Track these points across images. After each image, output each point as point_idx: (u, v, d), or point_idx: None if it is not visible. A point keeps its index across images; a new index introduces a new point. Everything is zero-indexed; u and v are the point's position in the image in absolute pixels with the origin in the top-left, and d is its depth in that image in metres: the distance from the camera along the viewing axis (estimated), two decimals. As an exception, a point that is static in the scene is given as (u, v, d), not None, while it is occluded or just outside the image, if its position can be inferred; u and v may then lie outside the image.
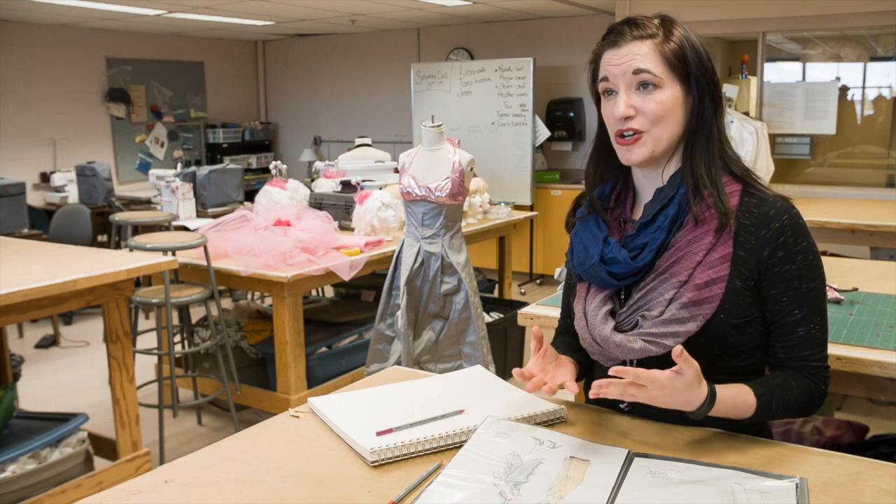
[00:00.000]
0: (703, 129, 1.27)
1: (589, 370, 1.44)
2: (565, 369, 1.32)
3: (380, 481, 1.14)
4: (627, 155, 1.28)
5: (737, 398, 1.21)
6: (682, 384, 1.15)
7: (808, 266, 1.25)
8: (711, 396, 1.18)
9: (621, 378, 1.15)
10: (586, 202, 1.39)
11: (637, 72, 1.23)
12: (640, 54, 1.23)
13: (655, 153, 1.27)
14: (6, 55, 6.76)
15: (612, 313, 1.31)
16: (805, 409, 1.27)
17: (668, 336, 1.23)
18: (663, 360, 1.21)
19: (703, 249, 1.24)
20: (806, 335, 1.26)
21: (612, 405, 1.38)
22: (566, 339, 1.48)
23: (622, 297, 1.32)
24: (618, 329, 1.29)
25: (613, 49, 1.26)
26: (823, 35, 5.38)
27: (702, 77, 1.26)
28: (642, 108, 1.24)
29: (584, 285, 1.37)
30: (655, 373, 1.14)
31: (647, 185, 1.34)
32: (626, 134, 1.26)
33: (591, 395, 1.17)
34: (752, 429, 1.31)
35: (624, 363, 1.30)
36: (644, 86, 1.24)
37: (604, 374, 1.38)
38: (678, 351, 1.13)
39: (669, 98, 1.24)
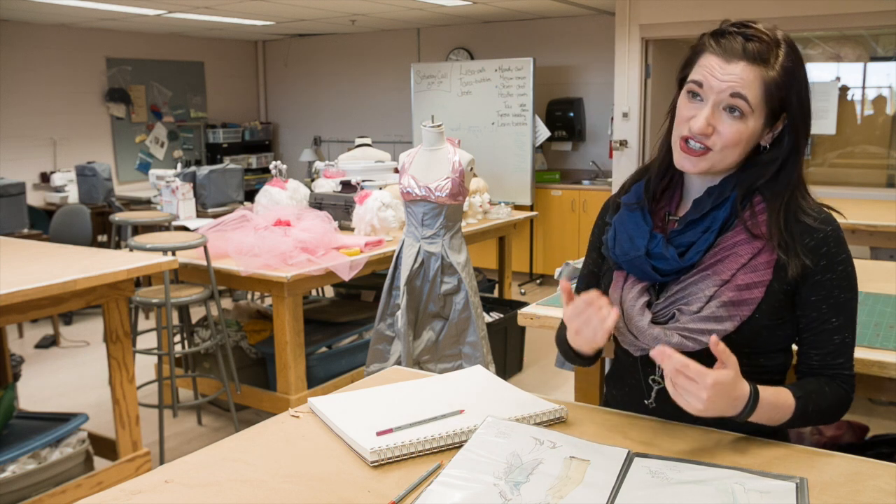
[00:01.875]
0: (789, 178, 1.26)
1: (593, 361, 1.43)
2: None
3: (380, 481, 1.14)
4: (684, 163, 1.27)
5: (777, 398, 1.21)
6: (728, 379, 1.14)
7: (847, 277, 1.27)
8: (755, 395, 1.18)
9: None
10: (645, 186, 1.37)
11: (734, 95, 1.20)
12: (746, 80, 1.19)
13: (713, 171, 1.27)
14: (6, 55, 6.76)
15: (649, 304, 1.31)
16: (836, 414, 1.29)
17: (705, 333, 1.24)
18: (697, 357, 1.21)
19: (748, 253, 1.25)
20: (841, 343, 1.27)
21: (636, 401, 1.38)
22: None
23: (657, 287, 1.33)
24: (654, 321, 1.29)
25: (721, 59, 1.21)
26: (823, 35, 5.38)
27: (799, 117, 1.24)
28: (721, 129, 1.22)
29: (621, 273, 1.36)
30: (704, 369, 1.13)
31: (700, 184, 1.33)
32: (693, 144, 1.24)
33: (653, 354, 1.17)
34: (772, 434, 1.31)
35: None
36: (732, 109, 1.21)
37: (624, 365, 1.40)
38: (714, 341, 1.14)
39: (750, 129, 1.22)
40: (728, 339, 1.23)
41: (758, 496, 1.06)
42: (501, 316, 4.36)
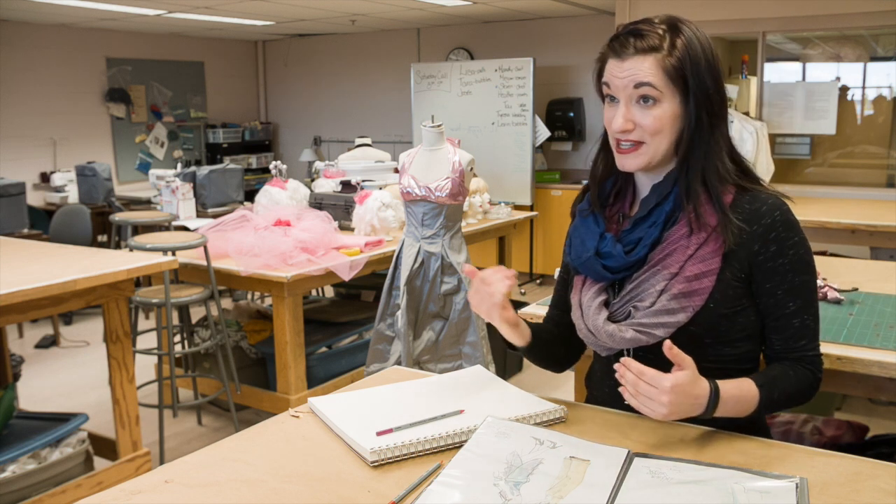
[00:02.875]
0: (699, 144, 1.29)
1: (571, 363, 1.52)
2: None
3: (380, 481, 1.14)
4: (623, 162, 1.32)
5: (739, 390, 1.23)
6: (686, 379, 1.17)
7: (800, 260, 1.29)
8: (715, 391, 1.20)
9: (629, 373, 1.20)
10: (590, 196, 1.43)
11: (638, 86, 1.26)
12: (642, 69, 1.25)
13: (652, 162, 1.31)
14: (6, 55, 6.76)
15: (606, 304, 1.36)
16: (803, 397, 1.31)
17: (659, 326, 1.28)
18: (653, 350, 1.27)
19: (694, 244, 1.28)
20: (801, 326, 1.30)
21: (616, 402, 1.38)
22: (544, 325, 1.54)
23: (616, 288, 1.36)
24: (611, 319, 1.34)
25: (617, 60, 1.28)
26: (823, 35, 5.38)
27: (699, 92, 1.27)
28: (640, 121, 1.27)
29: (580, 277, 1.41)
30: (660, 374, 1.17)
31: (647, 182, 1.37)
32: (623, 144, 1.30)
33: (620, 389, 1.22)
34: (750, 425, 1.33)
35: (620, 353, 1.35)
36: (644, 99, 1.27)
37: (601, 363, 1.45)
38: (668, 346, 1.17)
39: (667, 113, 1.27)
40: (687, 330, 1.27)
41: (758, 496, 1.06)
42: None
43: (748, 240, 1.27)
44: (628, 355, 1.34)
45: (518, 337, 1.39)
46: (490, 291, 1.31)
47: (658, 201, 1.32)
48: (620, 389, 1.22)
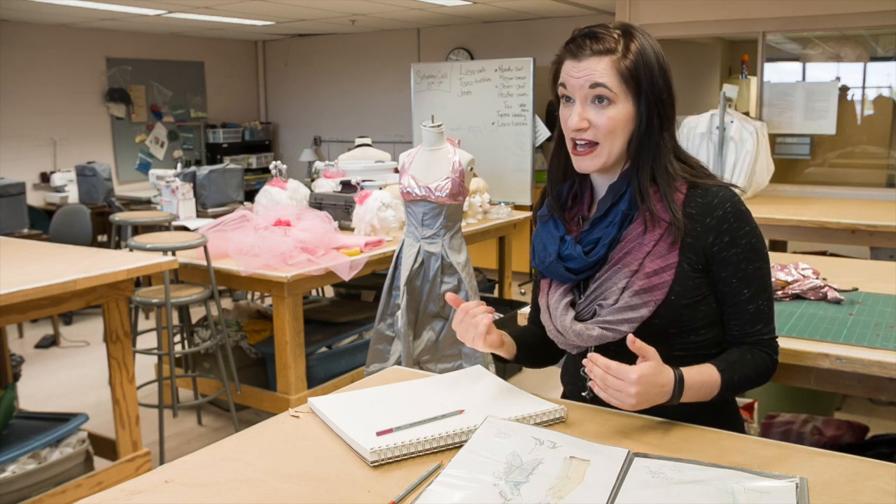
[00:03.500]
0: (649, 145, 1.34)
1: (554, 361, 1.55)
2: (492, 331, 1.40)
3: (380, 481, 1.14)
4: (580, 164, 1.36)
5: (702, 376, 1.29)
6: (651, 370, 1.22)
7: (752, 248, 1.34)
8: (680, 378, 1.25)
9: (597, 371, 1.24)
10: (547, 201, 1.48)
11: (594, 86, 1.30)
12: (598, 70, 1.29)
13: (608, 163, 1.35)
14: (6, 55, 6.76)
15: (573, 304, 1.41)
16: (761, 378, 1.37)
17: (623, 322, 1.33)
18: (620, 345, 1.31)
19: (651, 241, 1.33)
20: (755, 311, 1.35)
21: (580, 383, 1.45)
22: (527, 327, 1.61)
23: (581, 288, 1.41)
24: (578, 318, 1.39)
25: (573, 60, 1.32)
26: (823, 35, 5.38)
27: (651, 95, 1.31)
28: (595, 121, 1.31)
29: (546, 281, 1.47)
30: (626, 366, 1.22)
31: (603, 183, 1.41)
32: (579, 144, 1.34)
33: (590, 383, 1.27)
34: (720, 414, 1.39)
35: (588, 351, 1.39)
36: (599, 100, 1.31)
37: (573, 360, 1.50)
38: (631, 339, 1.22)
39: (621, 114, 1.31)
40: (651, 323, 1.32)
41: (758, 496, 1.06)
42: (501, 316, 4.36)
43: (702, 232, 1.32)
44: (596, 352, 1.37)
45: (504, 352, 1.45)
46: (474, 322, 1.37)
47: (614, 201, 1.36)
48: (590, 384, 1.27)
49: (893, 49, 5.36)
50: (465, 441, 1.23)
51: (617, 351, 1.33)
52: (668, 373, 1.25)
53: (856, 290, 2.15)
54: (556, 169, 1.46)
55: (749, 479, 1.11)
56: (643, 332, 1.30)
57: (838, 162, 5.58)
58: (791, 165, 5.64)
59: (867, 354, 1.66)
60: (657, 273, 1.32)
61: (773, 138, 5.41)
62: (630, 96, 1.31)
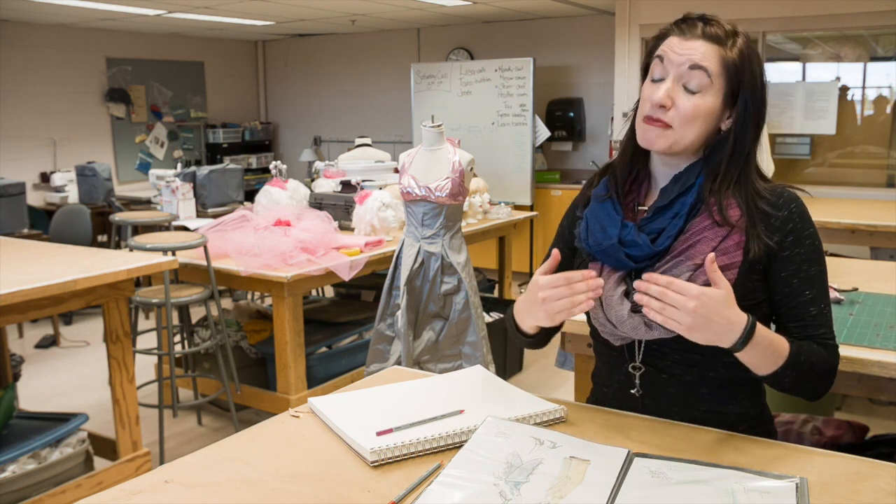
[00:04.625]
0: (741, 155, 1.29)
1: (547, 331, 1.43)
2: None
3: (380, 481, 1.14)
4: (646, 135, 1.30)
5: (773, 337, 1.22)
6: (718, 295, 1.14)
7: (815, 250, 1.30)
8: (752, 323, 1.17)
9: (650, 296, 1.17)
10: (608, 180, 1.40)
11: (693, 67, 1.25)
12: (703, 52, 1.25)
13: (673, 149, 1.29)
14: (6, 55, 6.76)
15: (627, 294, 1.32)
16: (823, 380, 1.29)
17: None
18: (675, 342, 1.26)
19: (718, 236, 1.27)
20: (818, 314, 1.30)
21: (621, 397, 1.39)
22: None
23: (633, 277, 1.33)
24: (633, 310, 1.30)
25: (680, 37, 1.28)
26: (823, 35, 5.38)
27: (751, 100, 1.28)
28: (679, 103, 1.26)
29: (596, 265, 1.36)
30: (688, 284, 1.15)
31: (664, 172, 1.36)
32: (653, 119, 1.28)
33: (636, 298, 1.19)
34: (754, 424, 1.33)
35: (632, 343, 1.34)
36: (692, 85, 1.26)
37: (608, 360, 1.42)
38: (711, 258, 1.16)
39: (707, 104, 1.26)
40: None
41: (758, 496, 1.06)
42: (501, 316, 4.36)
43: (767, 232, 1.28)
44: (640, 348, 1.34)
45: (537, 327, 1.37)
46: (574, 301, 1.23)
47: (680, 192, 1.31)
48: (643, 300, 1.17)
49: (893, 49, 5.36)
50: (465, 441, 1.23)
51: (664, 347, 1.31)
52: (739, 312, 1.16)
53: (856, 290, 2.15)
54: (625, 151, 1.40)
55: (749, 479, 1.11)
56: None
57: (838, 162, 5.58)
58: (791, 165, 5.64)
59: (867, 354, 1.66)
60: (721, 271, 1.23)
61: (773, 138, 5.42)
62: (722, 92, 1.27)
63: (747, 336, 1.17)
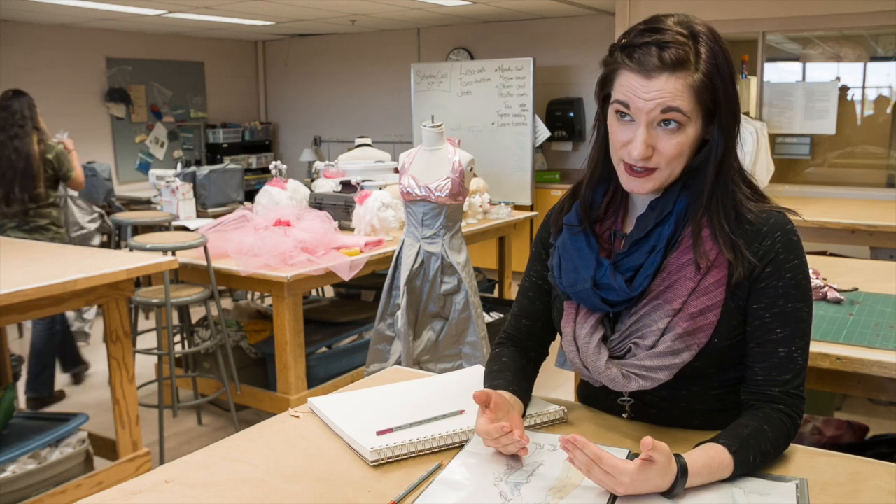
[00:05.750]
0: (724, 173, 1.19)
1: (530, 392, 1.39)
2: (515, 417, 1.22)
3: (380, 481, 1.14)
4: (632, 186, 1.20)
5: (710, 463, 1.09)
6: (654, 472, 1.05)
7: (797, 285, 1.18)
8: (683, 469, 1.07)
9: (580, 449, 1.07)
10: (577, 208, 1.30)
11: (666, 110, 1.13)
12: (672, 92, 1.12)
13: (663, 186, 1.21)
14: (6, 55, 6.75)
15: (605, 338, 1.25)
16: (781, 449, 1.19)
17: (662, 369, 1.19)
18: (654, 392, 1.23)
19: (697, 274, 1.18)
20: (787, 357, 1.18)
21: (613, 412, 1.37)
22: (512, 354, 1.41)
23: (611, 317, 1.27)
24: (611, 355, 1.24)
25: (640, 76, 1.13)
26: (823, 35, 5.38)
27: (727, 114, 1.16)
28: (661, 148, 1.15)
29: (572, 305, 1.29)
30: (622, 463, 1.04)
31: (642, 197, 1.26)
32: (636, 167, 1.18)
33: (562, 446, 1.08)
34: None
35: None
36: (667, 122, 1.14)
37: (593, 394, 1.40)
38: (648, 442, 1.04)
39: (690, 139, 1.16)
40: (690, 365, 1.20)
41: (758, 497, 1.06)
42: (501, 316, 4.36)
43: (744, 262, 1.17)
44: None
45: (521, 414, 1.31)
46: (512, 449, 1.16)
47: (657, 222, 1.21)
48: (573, 462, 1.07)
49: (893, 49, 5.36)
50: (465, 441, 1.23)
51: (646, 396, 1.26)
52: (668, 473, 1.05)
53: (856, 290, 2.15)
54: (594, 173, 1.28)
55: (749, 480, 1.11)
56: (681, 373, 1.19)
57: (838, 162, 5.58)
58: (791, 165, 5.64)
59: (867, 354, 1.66)
60: (702, 313, 1.17)
61: (773, 138, 5.41)
62: (700, 116, 1.15)
63: (680, 483, 1.07)
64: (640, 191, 1.20)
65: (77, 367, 4.31)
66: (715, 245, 1.18)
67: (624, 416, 1.35)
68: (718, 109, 1.16)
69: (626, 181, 1.21)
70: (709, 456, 1.10)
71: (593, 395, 1.41)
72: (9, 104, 3.90)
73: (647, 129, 1.14)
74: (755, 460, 1.12)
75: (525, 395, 1.35)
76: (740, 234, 1.19)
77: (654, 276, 1.21)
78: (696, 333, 1.18)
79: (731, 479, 1.11)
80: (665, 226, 1.21)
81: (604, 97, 1.22)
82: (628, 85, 1.14)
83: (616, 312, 1.25)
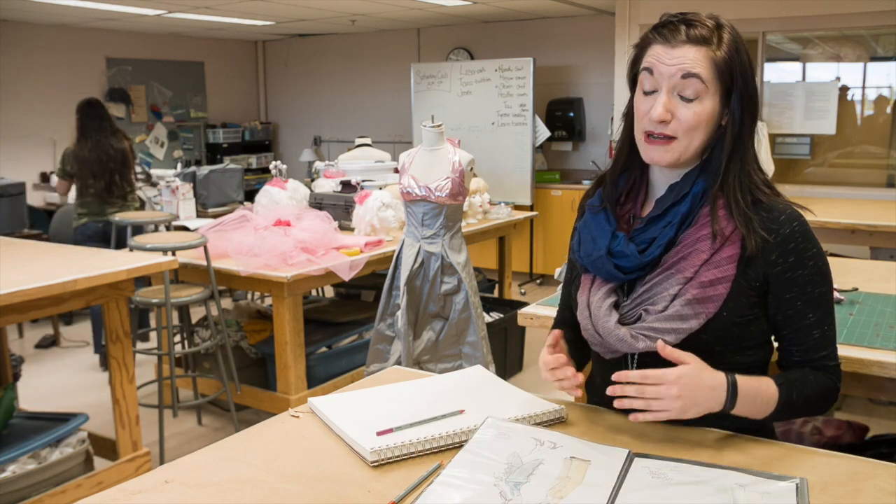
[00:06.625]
0: (739, 151, 1.27)
1: (581, 367, 1.45)
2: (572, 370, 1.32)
3: (380, 481, 1.14)
4: (652, 155, 1.28)
5: (759, 385, 1.21)
6: (691, 370, 1.16)
7: (819, 271, 1.26)
8: (732, 382, 1.18)
9: (631, 384, 1.19)
10: (602, 191, 1.39)
11: (686, 76, 1.22)
12: (693, 59, 1.22)
13: (681, 160, 1.27)
14: (6, 55, 6.76)
15: (616, 305, 1.31)
16: (823, 403, 1.28)
17: (670, 332, 1.24)
18: (659, 356, 1.23)
19: (710, 248, 1.25)
20: (821, 337, 1.28)
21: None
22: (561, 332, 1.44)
23: (625, 289, 1.33)
24: (621, 322, 1.29)
25: (665, 46, 1.24)
26: (823, 35, 5.38)
27: (744, 92, 1.25)
28: (679, 115, 1.24)
29: (588, 276, 1.37)
30: (662, 370, 1.15)
31: (663, 182, 1.34)
32: (655, 135, 1.26)
33: (616, 404, 1.20)
34: (758, 429, 1.32)
35: (624, 357, 1.33)
36: (686, 95, 1.23)
37: (602, 368, 1.40)
38: (661, 346, 1.16)
39: (707, 110, 1.24)
40: (698, 338, 1.25)
41: (758, 496, 1.06)
42: (501, 316, 4.36)
43: (765, 250, 1.24)
44: (633, 360, 1.33)
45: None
46: (571, 384, 1.30)
47: (674, 201, 1.29)
48: (625, 404, 1.19)
49: (893, 49, 5.36)
50: (465, 441, 1.23)
51: (658, 362, 1.27)
52: (715, 374, 1.17)
53: (856, 290, 2.15)
54: (619, 159, 1.37)
55: (749, 479, 1.11)
56: (687, 346, 1.23)
57: (838, 162, 5.58)
58: (791, 165, 5.64)
59: (867, 354, 1.66)
60: (713, 284, 1.24)
61: (773, 138, 5.42)
62: (719, 93, 1.24)
63: (733, 395, 1.18)
64: (660, 160, 1.27)
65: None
66: (730, 220, 1.25)
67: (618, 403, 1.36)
68: (736, 89, 1.24)
69: (646, 151, 1.28)
70: (757, 380, 1.22)
71: (599, 376, 1.43)
72: (97, 110, 4.80)
73: (668, 94, 1.24)
74: (798, 400, 1.23)
75: (574, 357, 1.40)
76: (755, 213, 1.26)
77: (667, 249, 1.28)
78: (706, 302, 1.24)
79: (773, 416, 1.23)
80: (681, 204, 1.28)
81: (632, 79, 1.31)
82: (654, 54, 1.25)
83: (629, 282, 1.31)
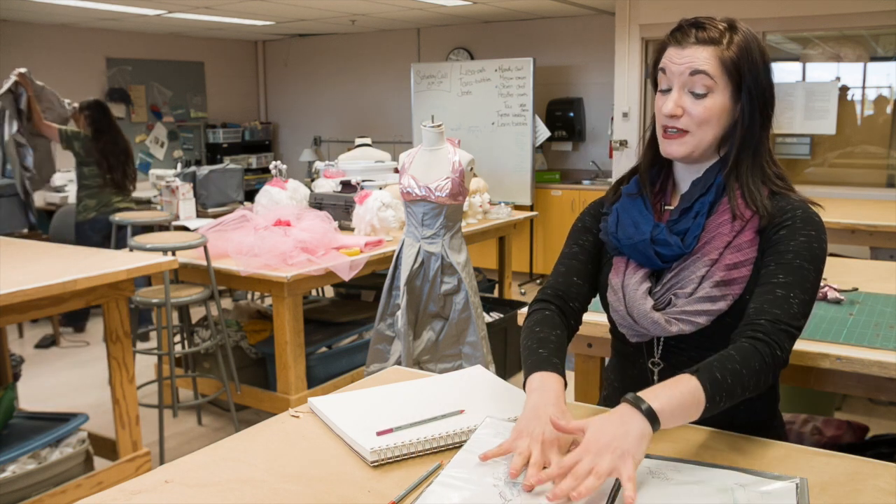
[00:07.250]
0: (749, 144, 1.33)
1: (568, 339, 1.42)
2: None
3: (380, 481, 1.14)
4: (668, 148, 1.35)
5: (674, 389, 1.11)
6: (596, 432, 1.07)
7: (808, 249, 1.27)
8: (649, 412, 1.08)
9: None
10: (638, 178, 1.44)
11: (694, 73, 1.29)
12: (700, 58, 1.29)
13: (695, 153, 1.34)
14: (6, 55, 6.75)
15: (650, 291, 1.36)
16: (758, 374, 1.16)
17: (701, 314, 1.29)
18: (693, 338, 1.30)
19: (732, 231, 1.31)
20: (782, 297, 1.22)
21: (643, 377, 1.42)
22: (559, 324, 1.39)
23: (656, 274, 1.38)
24: (655, 307, 1.34)
25: (677, 48, 1.32)
26: (823, 35, 5.38)
27: (754, 90, 1.30)
28: (690, 109, 1.31)
29: (622, 260, 1.40)
30: (564, 459, 1.06)
31: (687, 177, 1.40)
32: (670, 130, 1.33)
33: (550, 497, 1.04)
34: (760, 424, 1.34)
35: (650, 341, 1.37)
36: (697, 91, 1.30)
37: (621, 362, 1.46)
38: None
39: (717, 104, 1.30)
40: (723, 321, 1.29)
41: (758, 496, 1.06)
42: (501, 316, 4.36)
43: (771, 225, 1.30)
44: (658, 344, 1.37)
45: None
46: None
47: (701, 192, 1.35)
48: (556, 497, 1.02)
49: (893, 49, 5.36)
50: (465, 441, 1.23)
51: (681, 344, 1.33)
52: (614, 412, 1.09)
53: (856, 290, 2.15)
54: (646, 156, 1.45)
55: (749, 479, 1.11)
56: (711, 327, 1.28)
57: (838, 162, 5.58)
58: (791, 165, 5.64)
59: (867, 354, 1.66)
60: (736, 266, 1.29)
61: (774, 138, 5.39)
62: (729, 89, 1.30)
63: (650, 418, 1.08)
64: (675, 153, 1.34)
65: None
66: (747, 207, 1.31)
67: (655, 379, 1.39)
68: (746, 82, 1.30)
69: (664, 146, 1.36)
70: (672, 386, 1.12)
71: (620, 362, 1.47)
72: (105, 109, 5.02)
73: (679, 91, 1.31)
74: (724, 378, 1.13)
75: (559, 362, 1.31)
76: (770, 201, 1.31)
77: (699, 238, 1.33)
78: (731, 284, 1.29)
79: (710, 402, 1.11)
80: (707, 195, 1.35)
81: (655, 81, 1.39)
82: (667, 55, 1.34)
83: (659, 270, 1.36)
